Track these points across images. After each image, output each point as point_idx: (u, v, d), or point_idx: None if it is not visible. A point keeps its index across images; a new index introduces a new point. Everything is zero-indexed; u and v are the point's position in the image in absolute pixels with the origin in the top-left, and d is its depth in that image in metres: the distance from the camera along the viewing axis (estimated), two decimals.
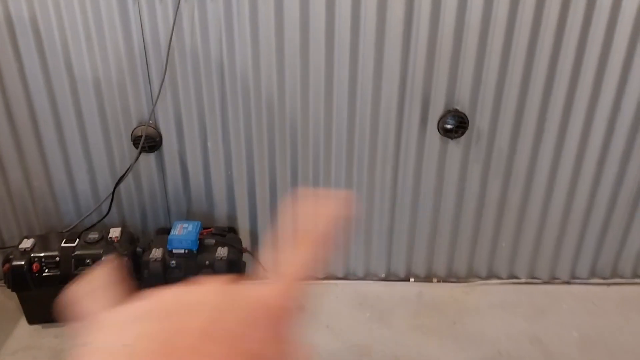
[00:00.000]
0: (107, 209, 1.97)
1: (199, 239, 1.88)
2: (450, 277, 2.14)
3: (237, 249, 1.91)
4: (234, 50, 1.75)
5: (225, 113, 1.84)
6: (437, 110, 1.83)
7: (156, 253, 1.85)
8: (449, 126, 1.83)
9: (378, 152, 1.91)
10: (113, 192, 1.93)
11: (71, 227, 1.99)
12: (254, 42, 1.74)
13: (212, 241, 1.90)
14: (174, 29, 1.70)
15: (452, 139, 1.86)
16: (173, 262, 1.84)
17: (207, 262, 1.85)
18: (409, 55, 1.76)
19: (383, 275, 2.14)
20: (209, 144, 1.90)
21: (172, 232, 1.86)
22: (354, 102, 1.82)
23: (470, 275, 2.14)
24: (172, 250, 1.85)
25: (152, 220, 2.05)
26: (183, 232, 1.87)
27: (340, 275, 2.14)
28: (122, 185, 1.94)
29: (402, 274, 2.13)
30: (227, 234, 1.94)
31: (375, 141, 1.89)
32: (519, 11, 1.69)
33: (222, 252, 1.85)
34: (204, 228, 1.94)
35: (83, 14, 1.70)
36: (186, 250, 1.85)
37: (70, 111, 1.84)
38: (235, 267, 1.87)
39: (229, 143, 1.90)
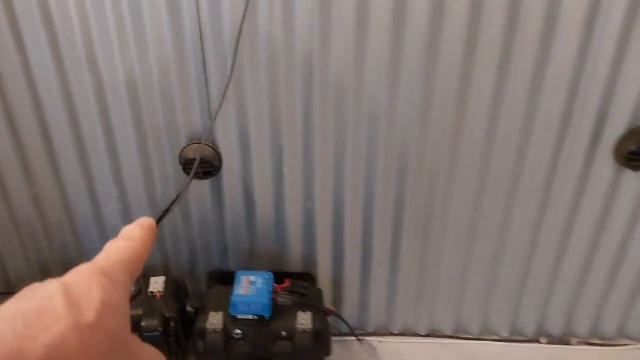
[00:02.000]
0: None
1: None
2: (594, 337, 1.62)
3: (321, 312, 1.41)
4: (329, 44, 1.19)
5: (310, 127, 1.31)
6: (615, 129, 1.27)
7: (215, 319, 1.35)
8: (631, 151, 1.27)
9: (522, 184, 1.36)
10: None
11: None
12: (359, 34, 1.18)
13: (289, 301, 1.40)
14: (246, 13, 1.15)
15: (633, 169, 1.31)
16: (237, 331, 1.35)
17: (283, 332, 1.35)
18: (587, 53, 1.18)
19: (505, 334, 1.63)
20: (284, 168, 1.37)
21: (235, 290, 1.36)
22: (496, 117, 1.27)
23: (620, 336, 1.62)
24: (236, 316, 1.36)
25: (203, 260, 1.55)
26: (251, 290, 1.36)
27: (448, 332, 1.64)
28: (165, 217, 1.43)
29: (530, 333, 1.62)
30: (307, 289, 1.44)
31: (520, 169, 1.34)
32: None
33: (304, 319, 1.35)
34: (277, 278, 1.43)
35: None
36: (256, 316, 1.36)
37: (95, 123, 1.32)
38: (322, 338, 1.37)
39: (311, 167, 1.37)
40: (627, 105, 1.24)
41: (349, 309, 1.62)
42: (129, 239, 0.53)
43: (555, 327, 1.61)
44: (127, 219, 1.46)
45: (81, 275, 0.44)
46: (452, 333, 1.64)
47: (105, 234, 1.49)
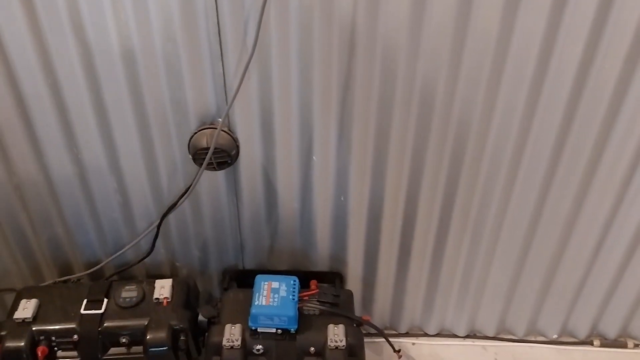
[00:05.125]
0: (150, 246, 1.26)
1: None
2: None
3: (355, 321, 1.21)
4: (377, 6, 0.94)
5: (349, 109, 1.07)
6: None
7: (232, 334, 1.16)
8: None
9: (595, 181, 1.15)
10: (159, 226, 1.22)
11: (94, 268, 1.30)
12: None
13: (317, 311, 1.20)
14: None
15: None
16: (258, 346, 1.16)
17: (312, 348, 1.16)
18: None
19: (555, 336, 1.46)
20: (314, 157, 1.14)
21: (255, 300, 1.16)
22: (573, 108, 1.04)
23: None
24: (256, 329, 1.16)
25: (216, 258, 1.34)
26: (273, 299, 1.16)
27: (490, 333, 1.46)
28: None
29: (582, 334, 1.45)
30: (338, 296, 1.23)
31: (593, 168, 1.12)
32: None
33: (336, 333, 1.16)
34: (301, 279, 1.23)
35: None
36: (280, 330, 1.16)
37: (84, 101, 1.07)
38: (357, 355, 1.18)
39: (347, 155, 1.14)
40: None
41: (380, 309, 1.43)
42: None
43: (611, 328, 1.44)
44: (128, 213, 1.24)
45: None
46: (494, 334, 1.47)
47: (102, 228, 1.27)
